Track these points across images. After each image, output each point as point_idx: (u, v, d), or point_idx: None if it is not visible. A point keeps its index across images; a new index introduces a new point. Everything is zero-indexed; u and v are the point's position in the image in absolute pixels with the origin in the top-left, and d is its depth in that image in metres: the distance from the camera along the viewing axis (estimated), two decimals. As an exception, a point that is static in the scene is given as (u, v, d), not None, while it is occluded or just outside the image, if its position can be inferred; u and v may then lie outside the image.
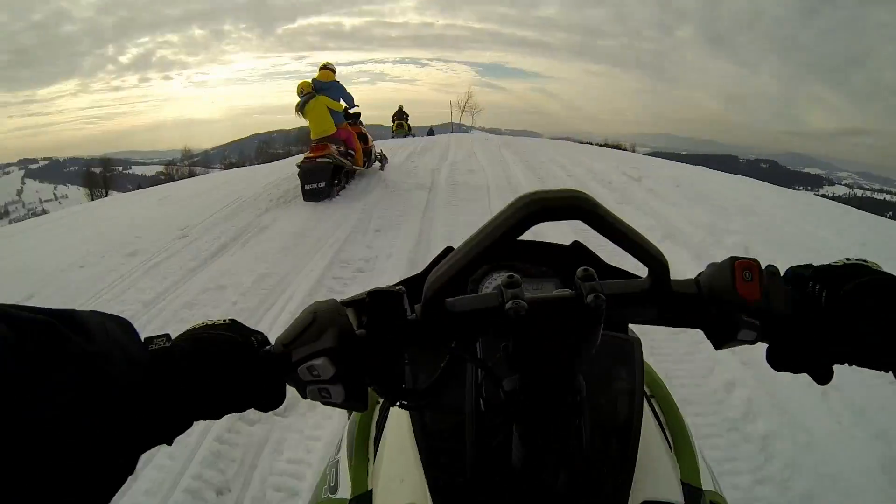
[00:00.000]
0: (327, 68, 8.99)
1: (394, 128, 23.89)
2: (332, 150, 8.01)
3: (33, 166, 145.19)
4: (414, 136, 23.86)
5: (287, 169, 9.81)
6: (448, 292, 0.61)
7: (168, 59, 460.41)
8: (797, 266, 0.68)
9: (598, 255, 1.07)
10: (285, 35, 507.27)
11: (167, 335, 0.57)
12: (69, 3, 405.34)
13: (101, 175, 63.38)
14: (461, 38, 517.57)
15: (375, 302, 0.61)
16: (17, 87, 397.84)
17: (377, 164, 10.10)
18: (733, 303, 0.63)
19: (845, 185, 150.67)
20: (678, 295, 0.66)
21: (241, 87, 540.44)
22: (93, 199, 52.49)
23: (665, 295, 0.66)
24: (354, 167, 8.77)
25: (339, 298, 0.64)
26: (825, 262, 0.66)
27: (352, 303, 0.65)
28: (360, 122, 9.71)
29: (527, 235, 0.65)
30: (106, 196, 52.14)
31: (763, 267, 0.65)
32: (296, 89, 8.52)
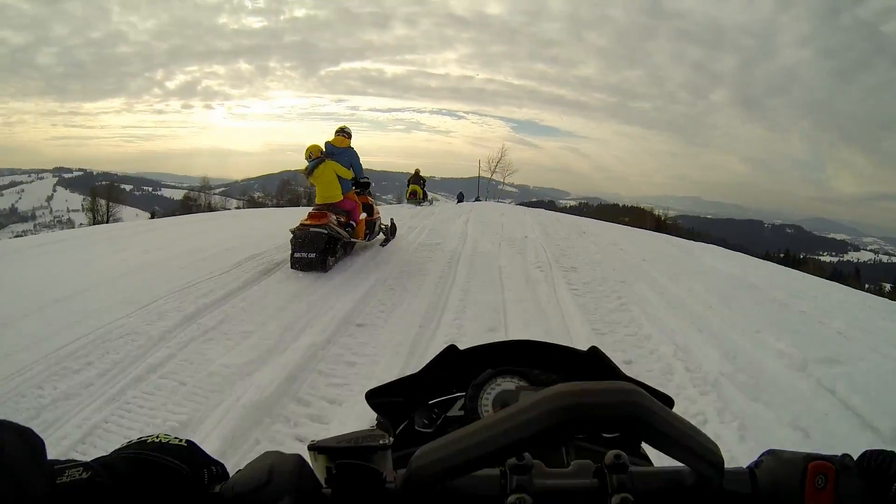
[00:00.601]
0: (344, 133, 8.33)
1: (407, 194, 21.23)
2: (331, 219, 7.34)
3: (67, 175, 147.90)
4: (431, 203, 21.76)
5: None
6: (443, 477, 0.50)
7: (212, 90, 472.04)
8: (876, 452, 0.53)
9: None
10: (327, 77, 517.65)
11: (84, 465, 0.45)
12: (128, 25, 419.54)
13: (107, 194, 59.49)
14: (499, 93, 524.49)
15: (345, 475, 0.50)
16: (66, 99, 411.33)
17: (380, 236, 9.32)
18: None
19: (870, 250, 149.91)
20: (728, 494, 0.53)
21: (278, 123, 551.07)
22: (94, 223, 49.33)
23: (713, 495, 0.53)
24: (353, 239, 8.03)
25: (312, 440, 0.53)
26: None
27: (324, 449, 0.52)
28: (369, 193, 8.97)
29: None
30: (106, 221, 49.25)
31: (838, 458, 0.53)
32: (304, 152, 7.81)
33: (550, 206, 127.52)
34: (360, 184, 8.39)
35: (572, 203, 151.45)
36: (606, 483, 0.50)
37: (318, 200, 7.80)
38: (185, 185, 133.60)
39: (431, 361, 0.97)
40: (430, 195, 22.99)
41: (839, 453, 0.53)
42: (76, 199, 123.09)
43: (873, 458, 0.52)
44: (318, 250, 6.95)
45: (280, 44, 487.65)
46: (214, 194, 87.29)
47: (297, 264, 6.97)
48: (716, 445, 0.52)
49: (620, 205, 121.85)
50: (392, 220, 9.82)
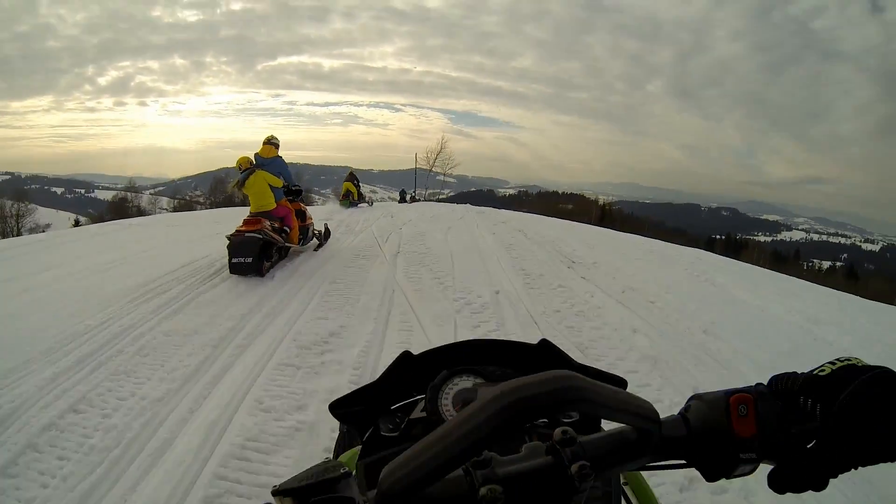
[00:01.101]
0: (271, 143, 8.25)
1: (340, 195, 18.42)
2: (265, 225, 7.20)
3: None
4: (370, 203, 18.79)
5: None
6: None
7: (146, 86, 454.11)
8: (781, 376, 0.60)
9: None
10: (264, 72, 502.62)
11: None
12: (57, 19, 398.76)
13: (15, 199, 51.17)
14: (437, 85, 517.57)
15: None
16: None
17: (314, 241, 8.98)
18: (729, 443, 0.57)
19: (802, 230, 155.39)
20: (668, 440, 0.59)
21: (215, 119, 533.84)
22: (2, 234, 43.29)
23: (655, 444, 0.58)
24: (287, 244, 7.83)
25: (274, 485, 0.51)
26: (810, 369, 0.59)
27: (289, 492, 0.50)
28: (301, 199, 8.88)
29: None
30: (16, 232, 42.85)
31: (753, 387, 0.59)
32: (235, 163, 7.79)
33: (490, 195, 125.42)
34: (292, 191, 8.39)
35: (511, 191, 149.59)
36: (562, 457, 0.52)
37: (252, 209, 7.75)
38: (119, 185, 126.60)
39: (388, 369, 0.98)
40: (367, 195, 20.05)
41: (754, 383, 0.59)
42: (2, 204, 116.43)
43: (780, 381, 0.59)
44: (254, 255, 6.82)
45: (216, 38, 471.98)
46: (149, 193, 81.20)
47: (235, 269, 6.83)
48: (649, 403, 0.57)
49: (560, 192, 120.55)
50: (326, 224, 9.75)
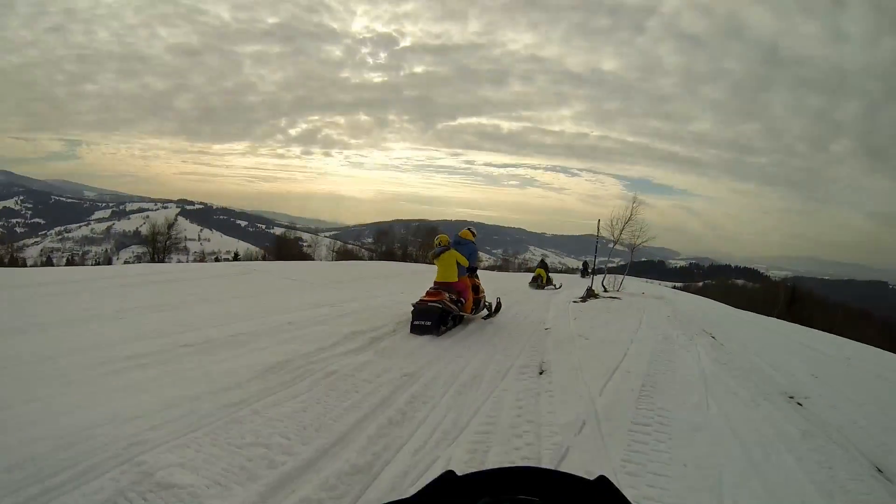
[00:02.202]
0: (470, 230, 9.78)
1: (532, 278, 20.32)
2: (445, 297, 8.44)
3: (189, 207, 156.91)
4: (557, 287, 19.93)
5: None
6: None
7: (332, 138, 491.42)
8: None
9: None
10: (444, 131, 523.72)
11: None
12: (257, 77, 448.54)
13: (163, 240, 50.78)
14: (613, 150, 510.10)
15: None
16: (196, 139, 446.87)
17: (484, 311, 10.19)
18: None
19: None
20: None
21: (394, 173, 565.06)
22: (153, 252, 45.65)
23: None
24: (462, 313, 9.02)
25: None
26: None
27: None
28: (476, 276, 10.02)
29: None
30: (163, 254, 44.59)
31: None
32: (434, 240, 9.40)
33: (660, 266, 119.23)
34: (472, 269, 9.64)
35: (682, 264, 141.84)
36: None
37: (437, 279, 9.07)
38: (298, 225, 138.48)
39: (426, 487, 0.86)
40: (555, 279, 21.66)
41: None
42: (194, 229, 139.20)
43: None
44: (433, 320, 8.01)
45: (399, 97, 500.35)
46: (320, 235, 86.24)
47: (415, 329, 8.01)
48: None
49: (732, 266, 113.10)
50: (498, 299, 10.77)
